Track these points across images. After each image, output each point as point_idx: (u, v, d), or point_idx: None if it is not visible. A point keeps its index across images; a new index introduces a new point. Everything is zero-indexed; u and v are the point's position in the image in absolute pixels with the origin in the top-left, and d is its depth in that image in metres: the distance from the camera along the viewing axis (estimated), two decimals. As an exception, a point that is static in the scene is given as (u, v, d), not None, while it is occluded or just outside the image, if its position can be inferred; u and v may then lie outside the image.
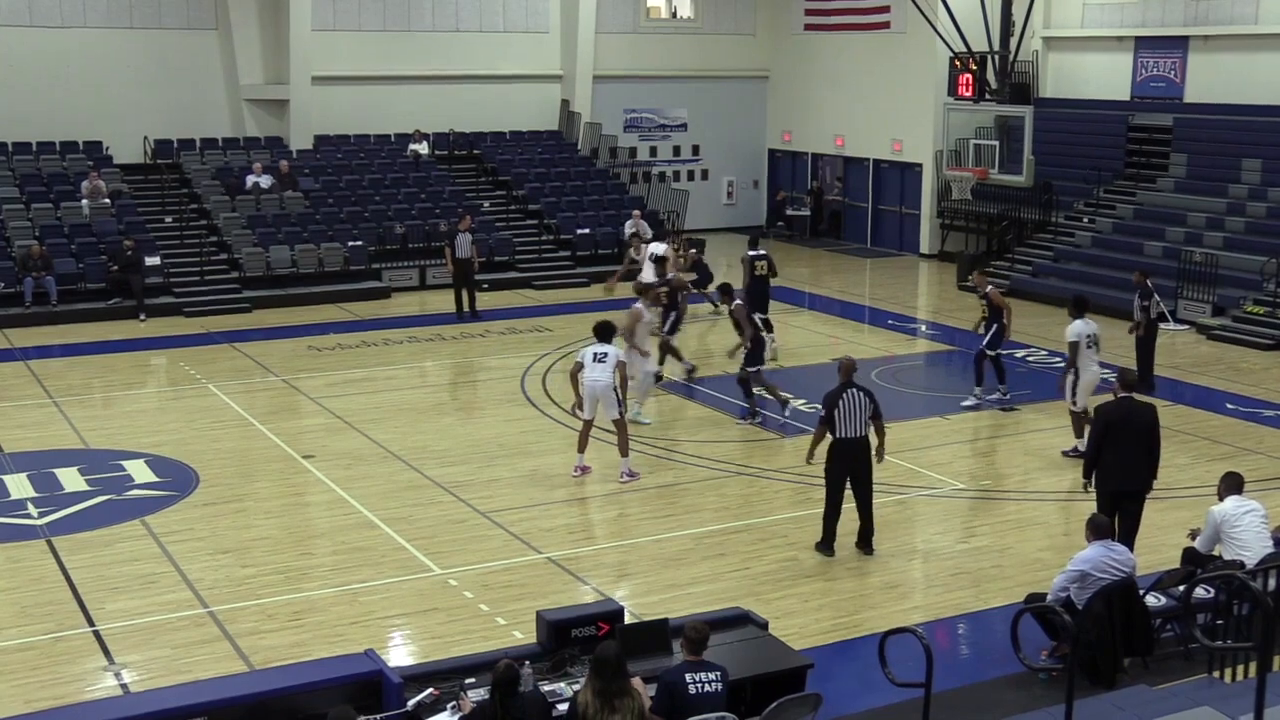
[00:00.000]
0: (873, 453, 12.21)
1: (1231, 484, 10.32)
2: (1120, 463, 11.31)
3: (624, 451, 14.47)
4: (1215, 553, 10.25)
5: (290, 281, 25.10)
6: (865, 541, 12.32)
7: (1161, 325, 22.83)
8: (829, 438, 12.19)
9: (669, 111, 33.84)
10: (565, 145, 31.73)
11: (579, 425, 14.67)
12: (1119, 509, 11.29)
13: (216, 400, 17.91)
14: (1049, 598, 9.54)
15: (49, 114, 26.95)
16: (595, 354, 14.35)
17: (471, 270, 23.69)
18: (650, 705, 7.56)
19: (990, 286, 17.46)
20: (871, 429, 12.15)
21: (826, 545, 12.30)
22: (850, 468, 12.13)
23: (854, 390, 12.06)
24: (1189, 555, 10.53)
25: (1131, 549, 11.24)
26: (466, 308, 23.61)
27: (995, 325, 17.16)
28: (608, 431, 14.65)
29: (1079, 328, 15.11)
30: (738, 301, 16.81)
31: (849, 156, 32.97)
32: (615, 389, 14.32)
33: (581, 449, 14.66)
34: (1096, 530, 9.55)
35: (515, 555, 12.33)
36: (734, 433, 16.47)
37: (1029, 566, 11.98)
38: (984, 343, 17.29)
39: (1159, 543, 12.01)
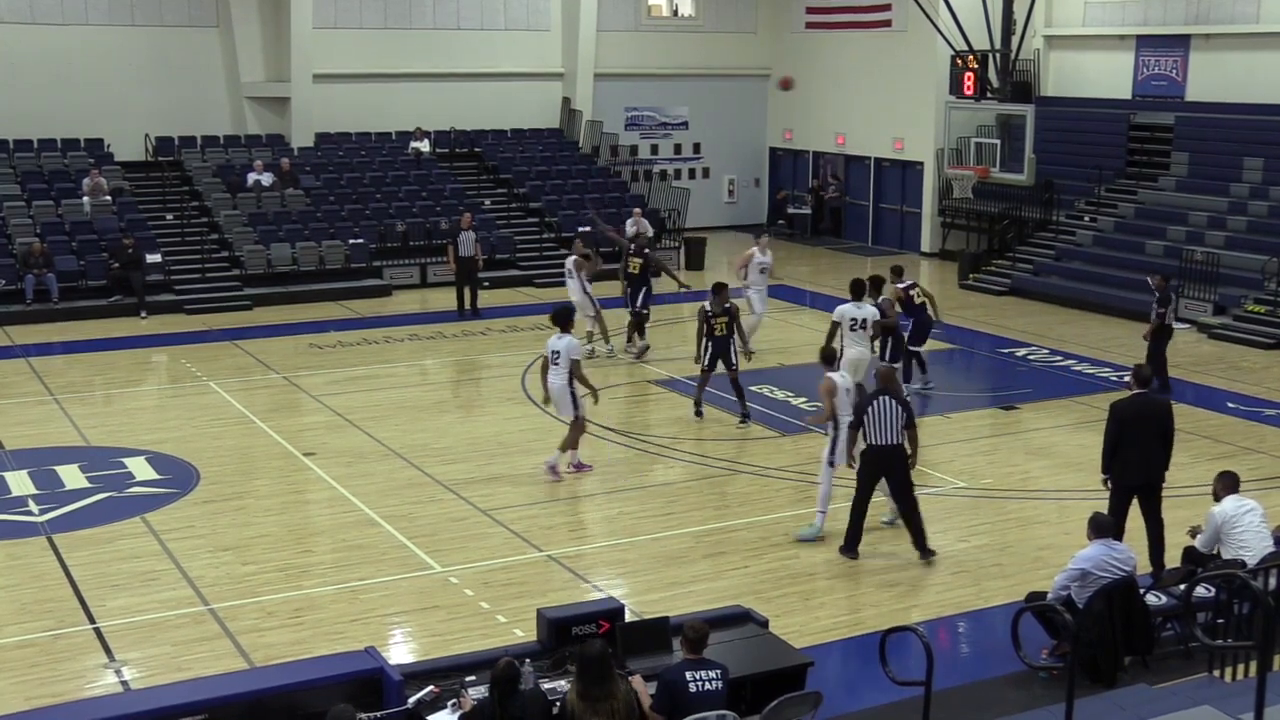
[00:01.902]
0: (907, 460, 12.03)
1: (1228, 483, 10.32)
2: (1135, 458, 11.33)
3: (564, 447, 14.35)
4: (1215, 551, 10.26)
5: (291, 279, 25.11)
6: (920, 547, 12.08)
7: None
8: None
9: (670, 110, 33.83)
10: (566, 143, 31.73)
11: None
12: (1141, 502, 11.36)
13: (217, 398, 17.92)
14: (1049, 596, 9.55)
15: (50, 111, 26.94)
16: (552, 352, 14.20)
17: (474, 268, 23.68)
18: (650, 704, 7.57)
19: (731, 303, 16.76)
20: (906, 437, 11.93)
21: (850, 548, 12.17)
22: (880, 475, 11.99)
23: (886, 398, 11.89)
24: (1189, 554, 10.54)
25: (1162, 546, 11.31)
26: (468, 305, 23.61)
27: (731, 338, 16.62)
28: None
29: (846, 309, 15.93)
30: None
31: (850, 155, 32.96)
32: (571, 389, 14.13)
33: (571, 446, 14.58)
34: (1098, 529, 9.56)
35: (516, 553, 12.33)
36: (735, 430, 16.46)
37: (1029, 565, 11.98)
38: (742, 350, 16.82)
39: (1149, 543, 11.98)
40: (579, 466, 14.55)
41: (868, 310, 16.00)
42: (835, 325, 15.92)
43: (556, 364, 14.12)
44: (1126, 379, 12.58)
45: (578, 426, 14.37)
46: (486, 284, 24.84)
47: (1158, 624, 9.79)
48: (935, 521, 13.38)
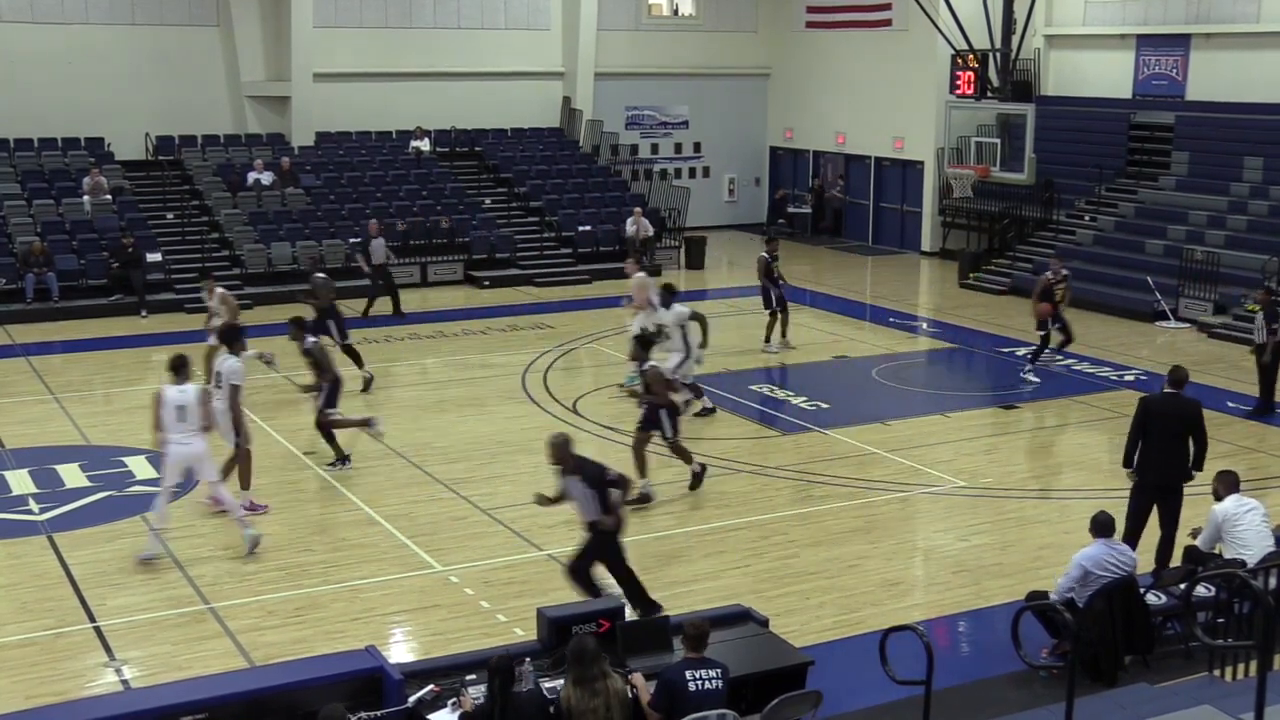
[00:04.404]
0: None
1: (1229, 482, 10.32)
2: (1157, 456, 11.29)
3: (227, 476, 13.05)
4: (1216, 550, 10.27)
5: (292, 278, 25.07)
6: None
7: (1161, 324, 22.85)
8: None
9: (670, 109, 33.84)
10: (567, 142, 31.73)
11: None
12: (1159, 502, 11.29)
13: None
14: (1052, 597, 9.54)
15: (51, 110, 26.94)
16: (216, 374, 13.21)
17: (388, 274, 23.34)
18: (650, 701, 7.58)
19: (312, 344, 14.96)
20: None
21: (650, 608, 10.24)
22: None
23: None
24: (1190, 554, 10.54)
25: (1171, 544, 11.26)
26: (393, 311, 23.11)
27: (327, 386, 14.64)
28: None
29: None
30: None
31: (850, 154, 32.97)
32: (234, 414, 13.07)
33: (243, 484, 13.33)
34: (1101, 528, 9.56)
35: (516, 552, 12.33)
36: (735, 430, 16.45)
37: (1029, 565, 11.97)
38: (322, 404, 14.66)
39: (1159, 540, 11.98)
40: (253, 507, 13.15)
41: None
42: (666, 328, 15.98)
43: (219, 387, 13.05)
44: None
45: (243, 458, 13.20)
46: (486, 283, 24.75)
47: (1158, 623, 9.79)
48: (936, 520, 13.43)
